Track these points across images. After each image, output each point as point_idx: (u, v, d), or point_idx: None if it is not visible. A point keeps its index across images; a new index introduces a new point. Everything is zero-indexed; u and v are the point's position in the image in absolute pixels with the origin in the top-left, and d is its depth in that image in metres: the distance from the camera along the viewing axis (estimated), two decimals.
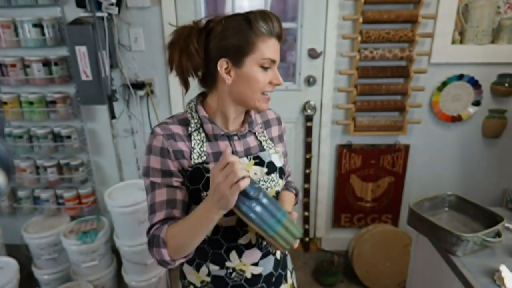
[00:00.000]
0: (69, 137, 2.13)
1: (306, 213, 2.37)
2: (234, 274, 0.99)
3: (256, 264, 0.99)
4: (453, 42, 2.01)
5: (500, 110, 2.08)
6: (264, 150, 1.00)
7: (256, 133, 1.01)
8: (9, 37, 1.96)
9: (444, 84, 2.07)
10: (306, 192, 2.34)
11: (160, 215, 0.88)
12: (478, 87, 2.08)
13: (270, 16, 0.87)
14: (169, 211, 0.89)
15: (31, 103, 2.07)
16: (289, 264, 1.12)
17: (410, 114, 2.14)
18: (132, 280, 2.10)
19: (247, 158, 0.96)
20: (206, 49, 0.89)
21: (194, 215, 0.83)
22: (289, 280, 1.10)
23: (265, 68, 0.88)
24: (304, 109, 2.19)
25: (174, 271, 2.45)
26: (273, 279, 1.04)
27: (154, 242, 0.85)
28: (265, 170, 0.97)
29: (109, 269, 2.17)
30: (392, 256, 2.17)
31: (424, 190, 2.23)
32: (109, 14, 1.92)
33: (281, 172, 1.01)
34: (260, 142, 1.00)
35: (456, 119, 2.14)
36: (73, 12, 1.92)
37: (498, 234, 1.22)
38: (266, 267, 1.01)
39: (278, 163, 1.00)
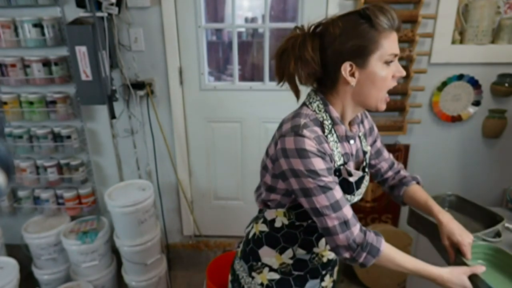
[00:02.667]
0: (69, 137, 2.13)
1: None
2: (316, 258, 1.05)
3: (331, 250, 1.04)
4: (453, 42, 2.00)
5: (500, 110, 2.08)
6: (365, 152, 1.05)
7: (360, 133, 1.04)
8: (9, 37, 1.96)
9: (444, 84, 2.07)
10: None
11: (349, 210, 0.88)
12: (478, 87, 2.08)
13: (388, 8, 0.86)
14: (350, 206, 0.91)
15: (31, 103, 2.07)
16: None
17: (410, 114, 2.14)
18: (132, 280, 2.10)
19: (356, 158, 1.01)
20: (322, 54, 0.87)
21: (424, 268, 0.90)
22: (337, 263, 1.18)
23: (388, 63, 0.87)
24: None
25: (174, 272, 2.45)
26: (334, 262, 1.13)
27: (369, 249, 0.87)
28: (366, 169, 1.05)
29: (109, 269, 2.17)
30: None
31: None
32: (109, 14, 1.92)
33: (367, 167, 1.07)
34: (361, 141, 1.04)
35: (456, 119, 2.14)
36: (73, 12, 1.92)
37: (498, 234, 1.22)
38: None
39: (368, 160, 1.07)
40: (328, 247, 1.03)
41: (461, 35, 2.00)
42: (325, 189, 0.86)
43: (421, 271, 0.90)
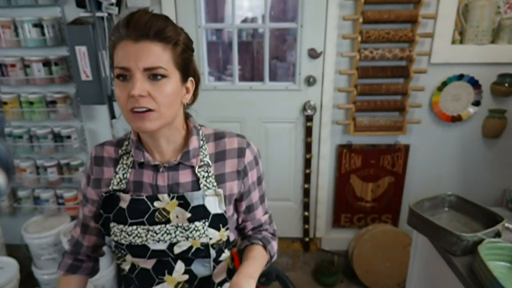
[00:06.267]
0: (69, 137, 2.13)
1: (306, 213, 2.37)
2: None
3: None
4: (453, 42, 2.01)
5: (500, 110, 2.08)
6: (198, 189, 0.81)
7: (196, 167, 0.82)
8: (9, 37, 1.96)
9: (444, 84, 2.07)
10: (306, 192, 2.34)
11: (76, 231, 0.95)
12: (478, 87, 2.08)
13: (131, 14, 0.74)
14: (81, 235, 0.94)
15: (31, 103, 2.07)
16: None
17: (410, 114, 2.14)
18: None
19: (169, 196, 0.80)
20: None
21: None
22: None
23: (118, 78, 0.73)
24: (304, 109, 2.19)
25: None
26: None
27: (61, 262, 0.96)
28: (188, 215, 0.79)
29: (109, 269, 2.17)
30: (392, 256, 2.17)
31: (424, 190, 2.23)
32: (109, 14, 1.92)
33: (219, 220, 0.81)
34: (198, 179, 0.82)
35: (456, 119, 2.14)
36: (73, 12, 1.92)
37: (498, 234, 1.22)
38: None
39: (214, 209, 0.81)
40: None
41: (461, 35, 2.00)
42: (81, 203, 0.92)
43: None
